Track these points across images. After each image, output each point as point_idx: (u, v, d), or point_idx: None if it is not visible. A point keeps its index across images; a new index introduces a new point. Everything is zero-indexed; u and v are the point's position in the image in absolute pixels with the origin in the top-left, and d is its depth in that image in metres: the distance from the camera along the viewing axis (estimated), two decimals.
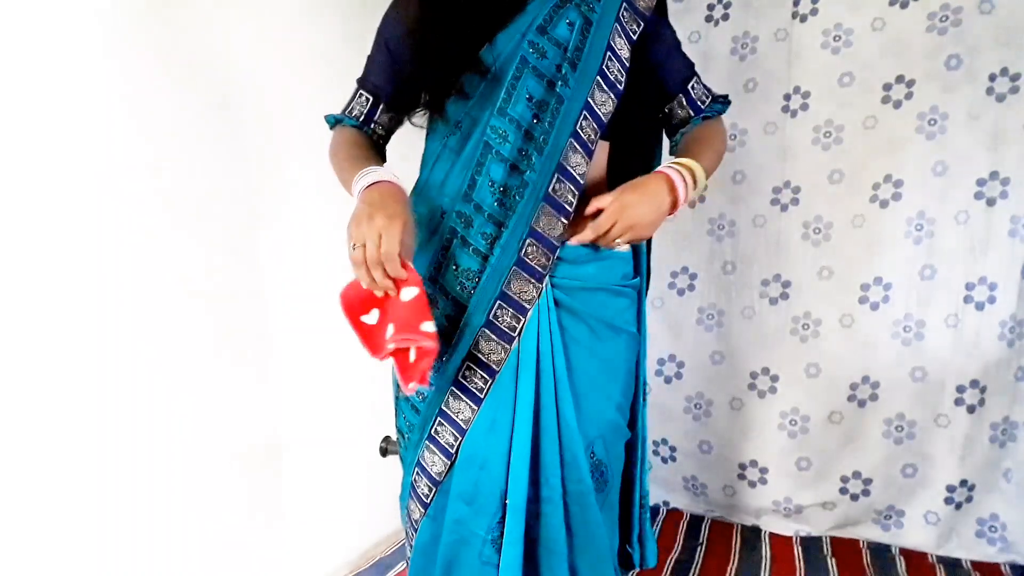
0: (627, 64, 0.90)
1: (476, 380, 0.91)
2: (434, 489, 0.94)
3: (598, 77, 0.87)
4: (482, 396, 0.91)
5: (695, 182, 0.89)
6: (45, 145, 1.01)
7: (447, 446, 0.93)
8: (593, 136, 0.88)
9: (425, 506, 0.95)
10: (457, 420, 0.92)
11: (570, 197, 0.88)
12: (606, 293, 0.96)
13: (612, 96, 0.89)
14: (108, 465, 1.12)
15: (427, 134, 1.00)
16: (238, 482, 1.39)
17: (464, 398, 0.92)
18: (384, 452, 1.27)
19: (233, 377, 1.37)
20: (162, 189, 1.18)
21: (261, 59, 1.34)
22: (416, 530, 0.98)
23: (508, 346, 0.89)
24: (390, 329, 0.79)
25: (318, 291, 1.52)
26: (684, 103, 1.01)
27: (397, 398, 1.04)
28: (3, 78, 0.96)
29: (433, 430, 0.94)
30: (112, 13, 1.09)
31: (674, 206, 0.87)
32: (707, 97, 1.02)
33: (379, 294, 0.81)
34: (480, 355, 0.90)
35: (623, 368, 1.00)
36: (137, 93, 1.14)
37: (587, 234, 0.87)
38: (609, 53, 0.88)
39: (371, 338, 0.82)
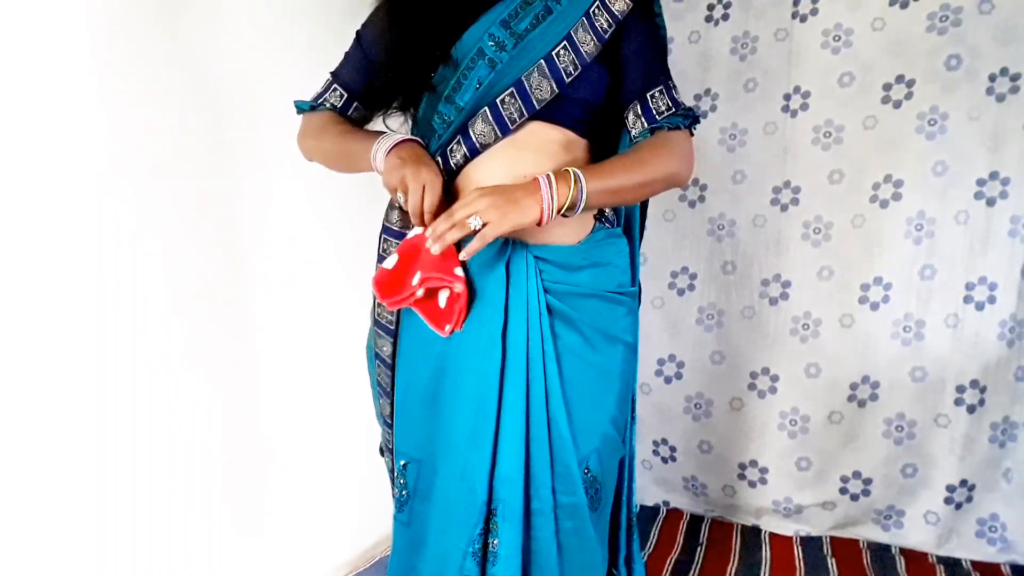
0: (587, 60, 0.88)
1: (384, 377, 1.01)
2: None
3: (541, 61, 0.86)
4: (389, 390, 0.99)
5: (563, 192, 0.81)
6: (31, 146, 1.01)
7: (389, 446, 1.02)
8: (516, 116, 0.87)
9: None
10: (384, 416, 1.03)
11: (460, 160, 0.89)
12: (601, 300, 0.93)
13: (553, 84, 0.87)
14: (102, 469, 1.12)
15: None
16: (237, 482, 1.39)
17: (383, 396, 1.02)
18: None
19: (232, 377, 1.37)
20: (148, 192, 1.18)
21: (249, 61, 1.34)
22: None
23: (392, 339, 0.98)
24: (417, 276, 0.85)
25: (305, 292, 1.53)
26: (639, 111, 0.92)
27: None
28: None
29: (384, 436, 1.03)
30: (102, 15, 1.09)
31: (543, 212, 0.81)
32: (668, 110, 0.91)
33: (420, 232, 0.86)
34: (378, 351, 1.00)
35: (618, 379, 0.96)
36: (124, 95, 1.14)
37: (440, 223, 0.82)
38: (566, 43, 0.86)
39: (384, 282, 0.88)
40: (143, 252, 1.17)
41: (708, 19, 1.84)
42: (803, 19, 1.72)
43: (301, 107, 1.02)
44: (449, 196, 0.88)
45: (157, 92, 1.17)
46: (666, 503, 2.06)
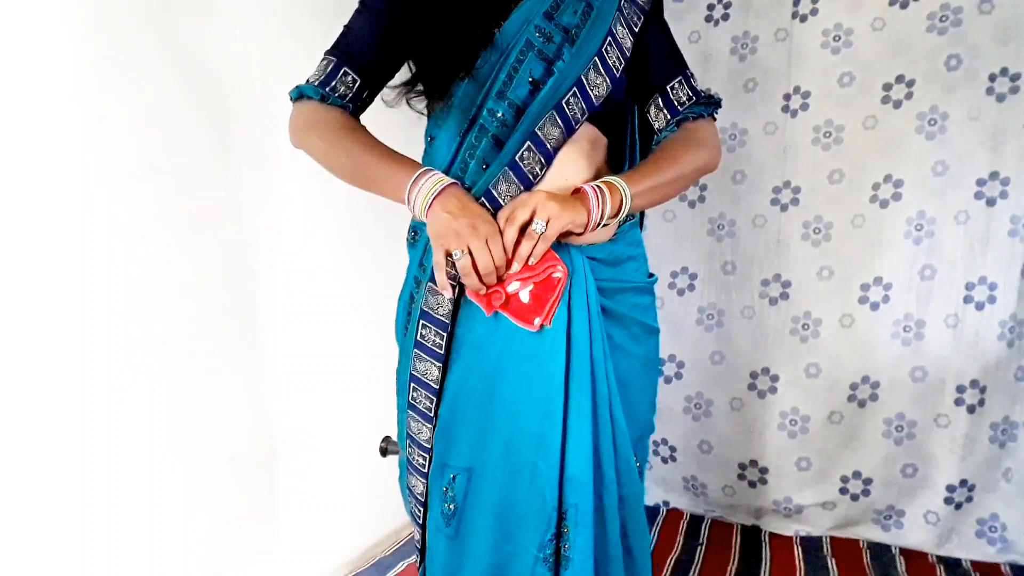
0: (628, 54, 0.90)
1: (423, 401, 0.93)
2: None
3: (595, 58, 0.87)
4: (431, 415, 0.92)
5: (614, 201, 0.83)
6: (38, 147, 1.00)
7: (420, 467, 0.96)
8: (579, 115, 0.87)
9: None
10: (419, 440, 0.95)
11: (537, 168, 0.86)
12: (638, 292, 0.96)
13: (607, 80, 0.88)
14: (105, 468, 1.12)
15: (430, 128, 0.96)
16: (237, 483, 1.39)
17: (418, 418, 0.95)
18: (384, 452, 1.27)
19: (233, 378, 1.37)
20: (155, 190, 1.18)
21: (258, 62, 1.34)
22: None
23: (441, 364, 0.90)
24: (514, 284, 0.84)
25: (312, 291, 1.53)
26: (660, 103, 0.96)
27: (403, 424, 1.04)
28: None
29: (417, 460, 0.97)
30: (107, 15, 1.09)
31: (590, 218, 0.83)
32: (689, 100, 0.95)
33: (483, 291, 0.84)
34: (418, 374, 0.94)
35: (655, 367, 1.01)
36: (132, 95, 1.14)
37: (504, 211, 0.82)
38: (610, 38, 0.87)
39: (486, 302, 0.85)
40: (155, 250, 1.17)
41: (708, 19, 1.84)
42: (803, 19, 1.72)
43: (308, 94, 0.90)
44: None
45: (145, 90, 1.16)
46: (666, 503, 2.06)
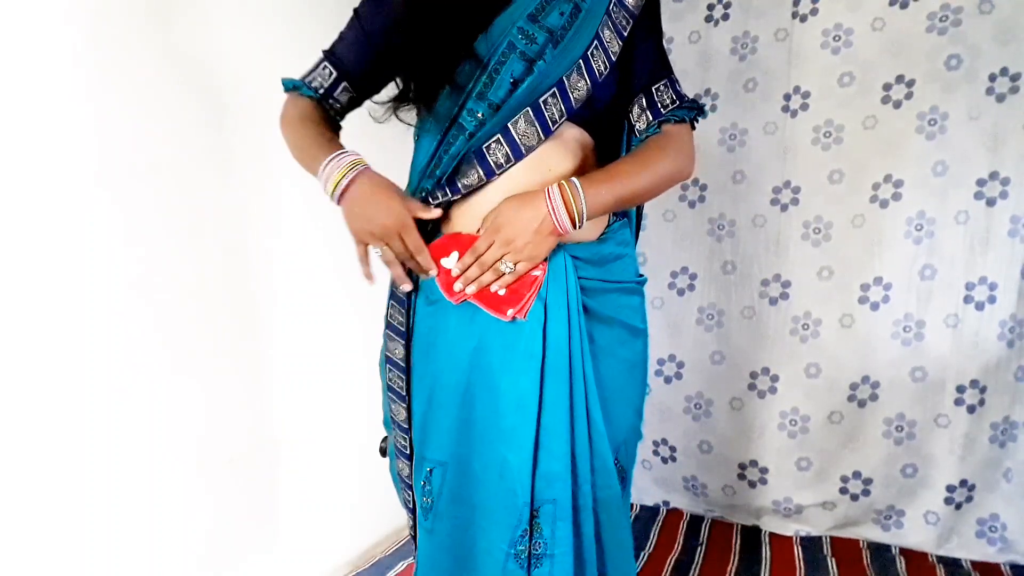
0: (614, 58, 0.89)
1: (397, 381, 0.96)
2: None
3: (580, 60, 0.86)
4: (404, 394, 0.95)
5: (575, 201, 0.81)
6: (38, 147, 1.01)
7: (403, 449, 0.98)
8: (557, 116, 0.86)
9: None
10: (398, 421, 0.98)
11: (503, 160, 0.86)
12: (623, 292, 0.95)
13: (588, 83, 0.87)
14: (104, 467, 1.12)
15: (417, 129, 0.97)
16: (237, 483, 1.39)
17: (395, 399, 0.97)
18: (384, 452, 1.27)
19: (232, 378, 1.37)
20: (155, 190, 1.18)
21: (257, 63, 1.34)
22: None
23: (404, 342, 0.94)
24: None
25: (311, 290, 1.53)
26: (644, 104, 0.93)
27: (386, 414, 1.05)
28: None
29: (398, 442, 0.99)
30: (107, 16, 1.09)
31: (556, 230, 0.82)
32: (673, 103, 0.92)
33: (434, 273, 0.87)
34: (390, 354, 0.97)
35: (640, 369, 0.99)
36: (132, 95, 1.14)
37: (467, 259, 0.83)
38: (596, 42, 0.87)
39: (449, 282, 0.87)
40: (155, 249, 1.17)
41: (708, 19, 1.84)
42: (803, 19, 1.72)
43: (285, 86, 0.98)
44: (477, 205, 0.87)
45: (145, 91, 1.16)
46: (666, 503, 2.06)
